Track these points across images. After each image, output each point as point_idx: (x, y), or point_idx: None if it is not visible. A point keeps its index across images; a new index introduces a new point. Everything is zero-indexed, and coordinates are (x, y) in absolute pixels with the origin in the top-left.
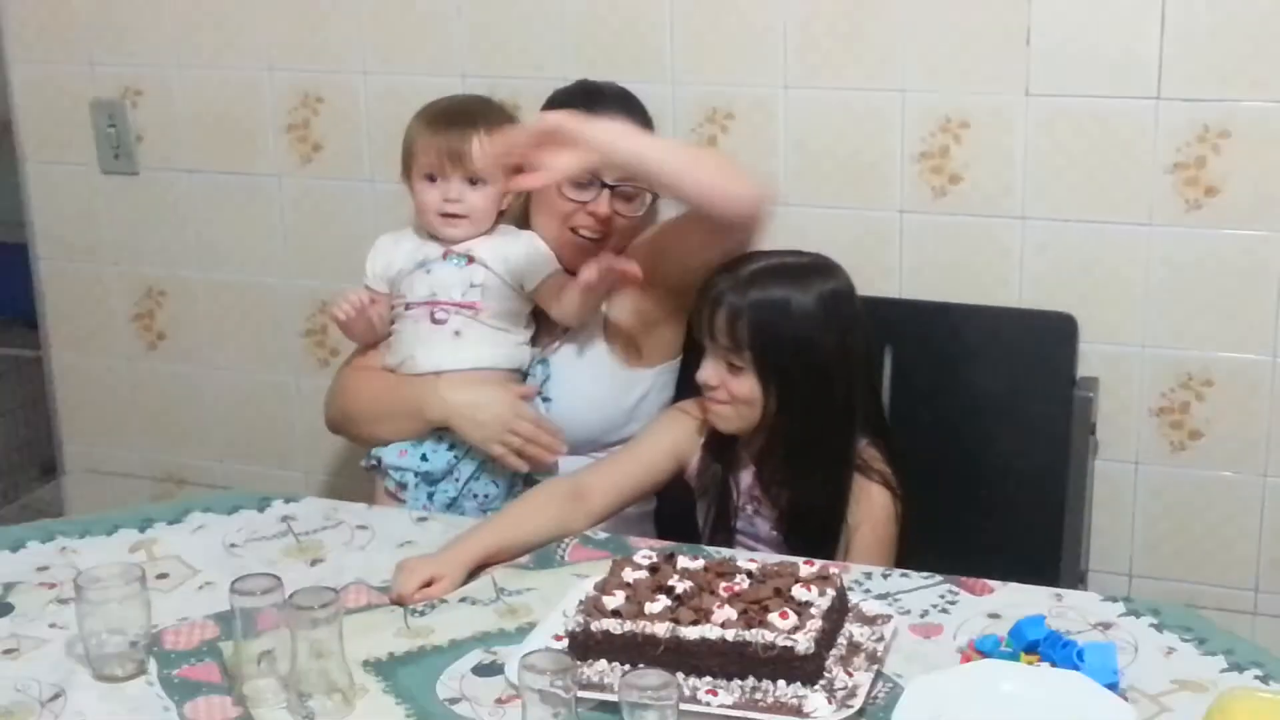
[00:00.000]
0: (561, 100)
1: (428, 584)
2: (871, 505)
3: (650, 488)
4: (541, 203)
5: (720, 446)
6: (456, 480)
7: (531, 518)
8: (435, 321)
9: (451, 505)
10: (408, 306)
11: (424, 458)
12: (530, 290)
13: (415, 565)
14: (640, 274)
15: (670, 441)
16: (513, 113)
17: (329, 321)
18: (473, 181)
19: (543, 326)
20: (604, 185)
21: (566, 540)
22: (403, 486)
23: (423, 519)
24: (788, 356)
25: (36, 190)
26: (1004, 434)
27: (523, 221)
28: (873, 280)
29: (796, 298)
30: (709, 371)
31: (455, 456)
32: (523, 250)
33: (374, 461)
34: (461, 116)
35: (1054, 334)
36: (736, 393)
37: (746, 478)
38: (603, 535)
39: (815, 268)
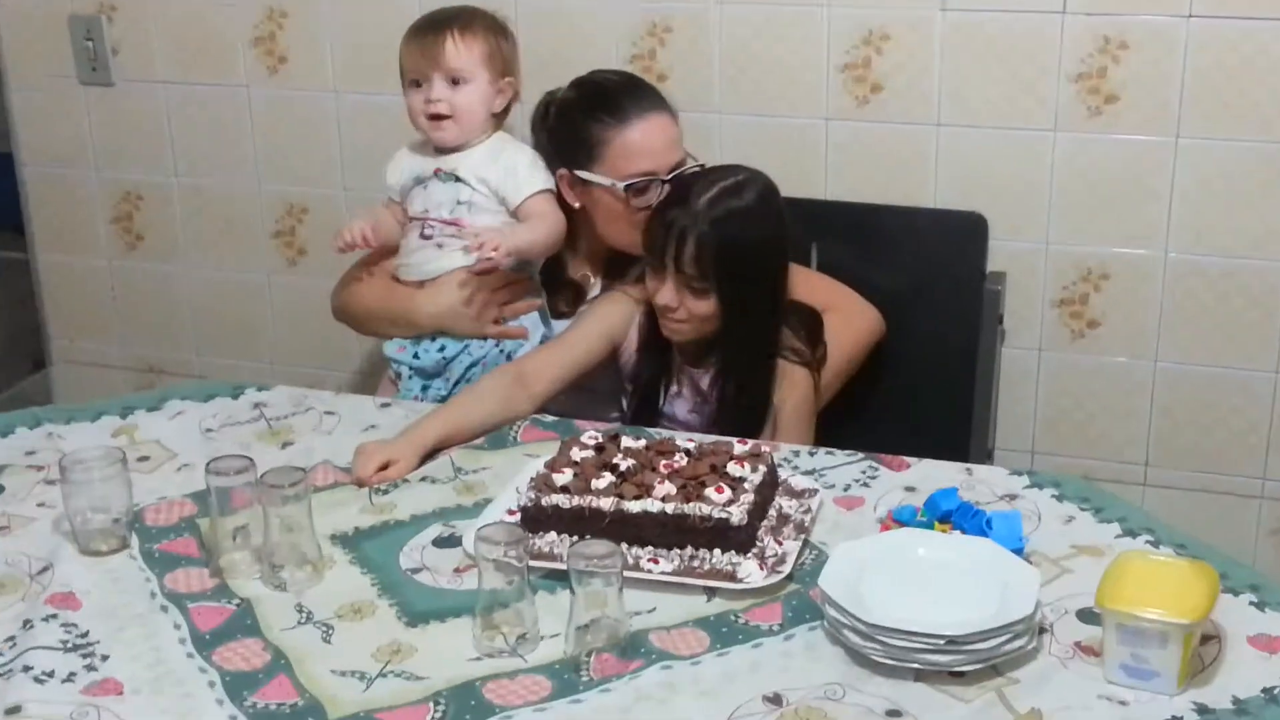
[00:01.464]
0: (600, 89)
1: (384, 468)
2: (794, 385)
3: (587, 369)
4: (604, 211)
5: (656, 342)
6: (448, 380)
7: (479, 404)
8: (424, 237)
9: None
10: (411, 218)
11: (416, 355)
12: (512, 211)
13: (372, 450)
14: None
15: (605, 328)
16: (495, 17)
17: (296, 223)
18: (454, 81)
19: (564, 292)
20: (664, 181)
21: (518, 423)
22: (399, 376)
23: (386, 405)
24: (748, 269)
25: (19, 102)
26: (920, 323)
27: (586, 228)
28: (802, 183)
29: (747, 212)
30: (668, 295)
31: (445, 357)
32: (502, 169)
33: (383, 353)
34: (438, 22)
35: (966, 232)
36: (697, 311)
37: (675, 363)
38: (551, 418)
39: (749, 179)
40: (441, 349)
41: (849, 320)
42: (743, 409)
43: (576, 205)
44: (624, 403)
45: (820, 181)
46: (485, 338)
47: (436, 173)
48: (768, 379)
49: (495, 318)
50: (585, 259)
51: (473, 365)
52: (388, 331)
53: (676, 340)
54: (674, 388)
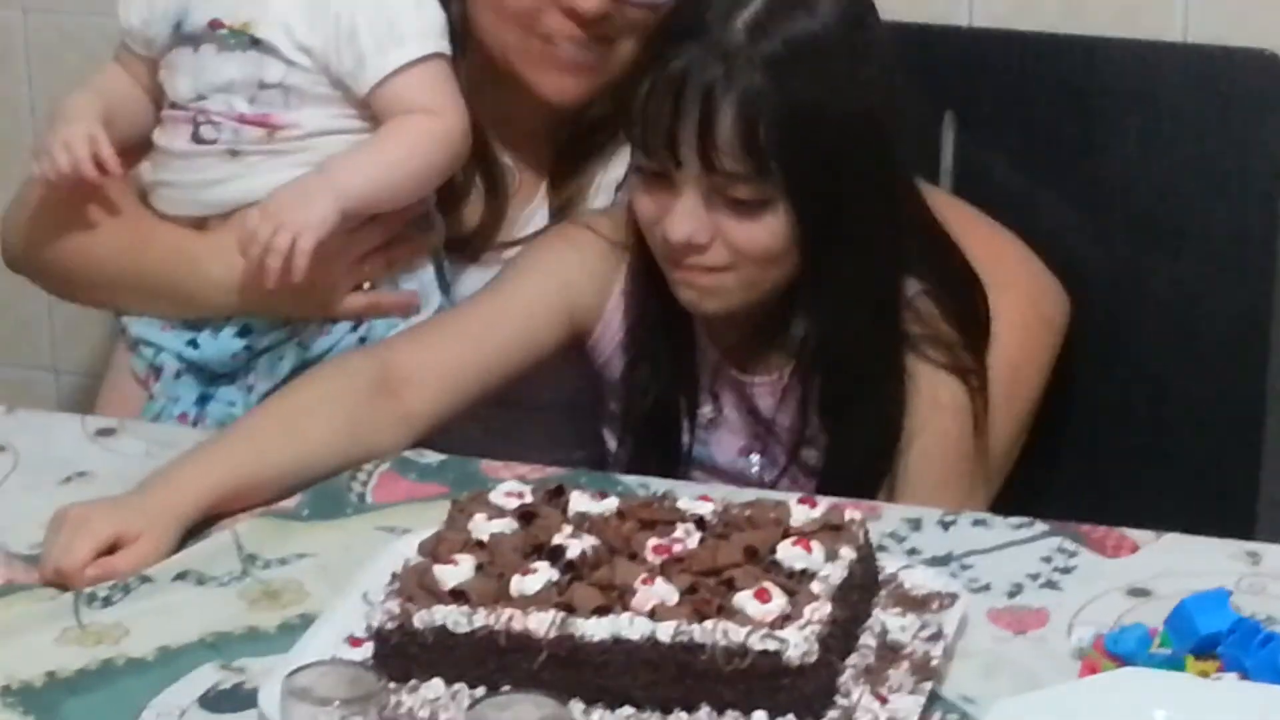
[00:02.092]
0: None
1: (110, 550)
2: (938, 406)
3: (519, 369)
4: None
5: (664, 320)
6: (248, 388)
7: (302, 428)
8: (200, 140)
9: None
10: (172, 104)
11: (193, 343)
12: (364, 94)
13: (87, 518)
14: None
15: (557, 292)
16: None
17: None
18: None
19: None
20: None
21: (368, 466)
22: (156, 372)
23: (108, 431)
24: (840, 156)
25: None
26: (1156, 270)
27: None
28: (926, 2)
29: (825, 44)
30: (691, 222)
31: (248, 348)
32: (338, 17)
33: (120, 325)
34: None
35: (1245, 90)
36: (746, 245)
37: (707, 364)
38: (434, 456)
39: None
40: (244, 334)
41: (1034, 307)
42: (844, 446)
43: None
44: (605, 434)
45: None
46: (335, 319)
47: (215, 27)
48: (890, 390)
49: (356, 281)
50: (510, 141)
51: (301, 366)
52: (135, 305)
53: (704, 312)
54: (708, 408)
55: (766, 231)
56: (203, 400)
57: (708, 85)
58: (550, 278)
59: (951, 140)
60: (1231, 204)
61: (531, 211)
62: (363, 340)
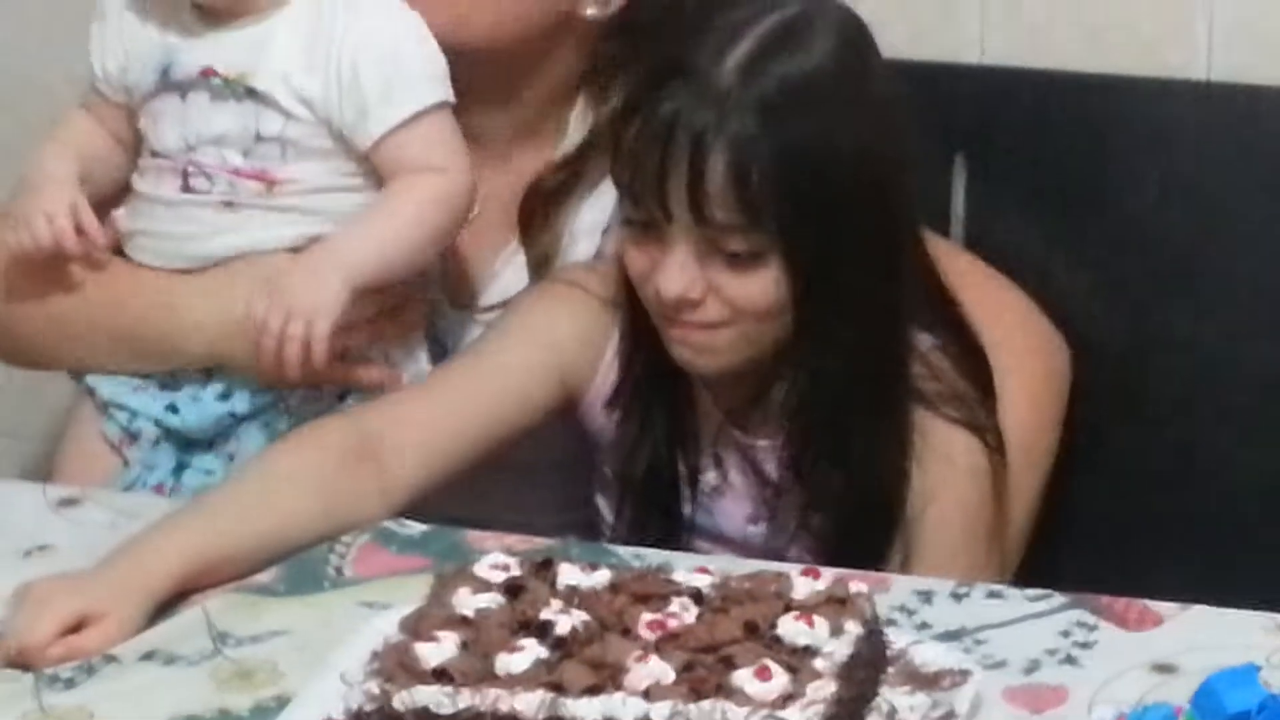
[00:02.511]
0: None
1: (75, 628)
2: (951, 463)
3: (505, 438)
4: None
5: (661, 379)
6: (229, 455)
7: (276, 499)
8: (190, 190)
9: None
10: (153, 153)
11: (172, 407)
12: (366, 148)
13: (51, 595)
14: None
15: (546, 353)
16: None
17: None
18: None
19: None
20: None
21: (346, 538)
22: (132, 438)
23: (70, 501)
24: (839, 199)
25: None
26: (1179, 323)
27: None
28: (934, 38)
29: (821, 79)
30: (683, 277)
31: (232, 415)
32: (337, 68)
33: (86, 386)
34: None
35: (1272, 130)
36: (745, 302)
37: (710, 427)
38: (418, 527)
39: (809, 9)
40: (225, 397)
41: (1041, 361)
42: (851, 508)
43: None
44: (600, 503)
45: (973, 36)
46: (322, 384)
47: (207, 75)
48: (898, 447)
49: (346, 346)
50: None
51: (289, 423)
52: (111, 362)
53: (700, 371)
54: (711, 474)
55: (762, 285)
56: (179, 469)
57: (698, 131)
58: (539, 338)
59: (963, 184)
60: (1258, 252)
61: (507, 257)
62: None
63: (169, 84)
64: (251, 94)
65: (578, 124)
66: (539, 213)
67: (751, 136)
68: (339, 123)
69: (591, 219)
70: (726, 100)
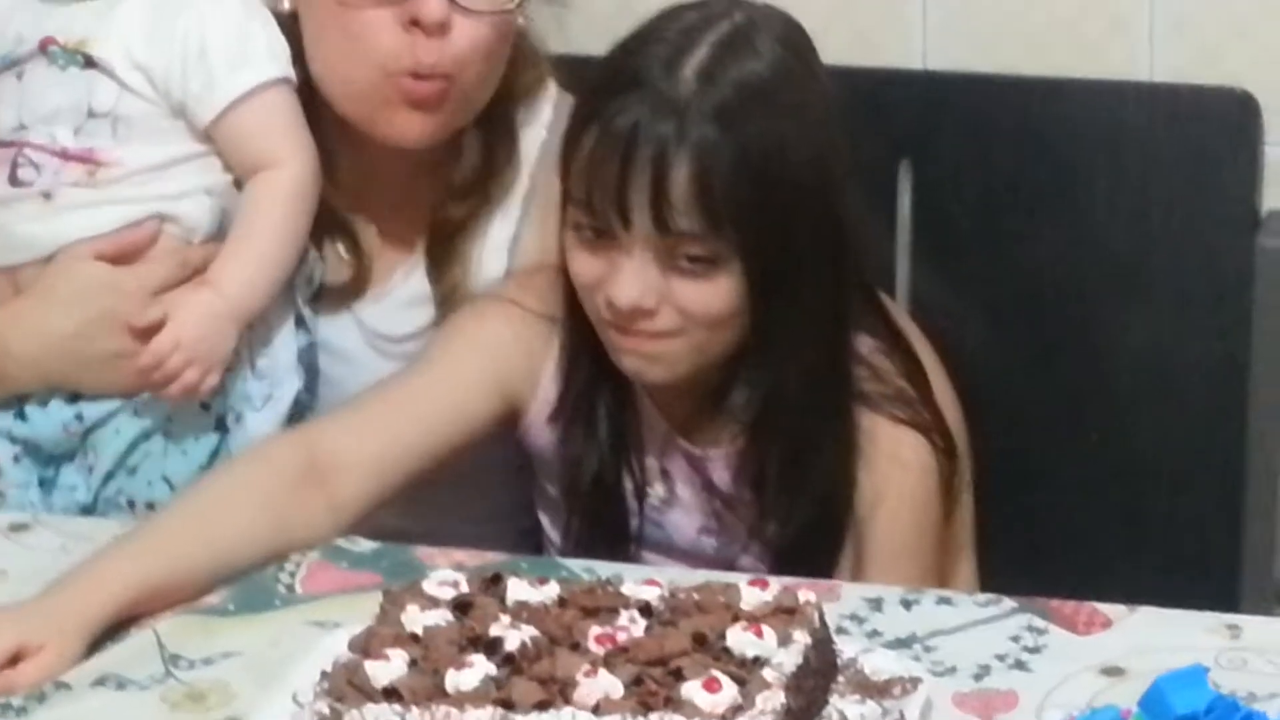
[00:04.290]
0: None
1: (13, 661)
2: (901, 465)
3: (448, 451)
4: (325, 25)
5: (604, 391)
6: (89, 467)
7: (220, 522)
8: (16, 182)
9: (90, 511)
10: None
11: (21, 415)
12: (209, 121)
13: None
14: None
15: (489, 367)
16: None
17: None
18: None
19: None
20: None
21: (296, 556)
22: None
23: (20, 526)
24: (791, 203)
25: None
26: (1127, 320)
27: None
28: (877, 45)
29: (772, 85)
30: (638, 284)
31: (79, 415)
32: (185, 39)
33: None
34: None
35: (1217, 129)
36: (700, 309)
37: (656, 439)
38: (367, 544)
39: (756, 17)
40: (73, 400)
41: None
42: (801, 513)
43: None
44: (544, 520)
45: (915, 40)
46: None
47: (46, 47)
48: (846, 449)
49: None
50: (371, 209)
51: (141, 438)
52: None
53: (649, 381)
54: (659, 486)
55: (717, 292)
56: (44, 485)
57: (660, 142)
58: (480, 353)
59: (909, 189)
60: (1205, 248)
61: (408, 269)
62: (205, 407)
63: (8, 62)
64: (90, 64)
65: (471, 141)
66: (446, 246)
67: (712, 143)
68: (180, 95)
69: (499, 236)
70: (686, 110)
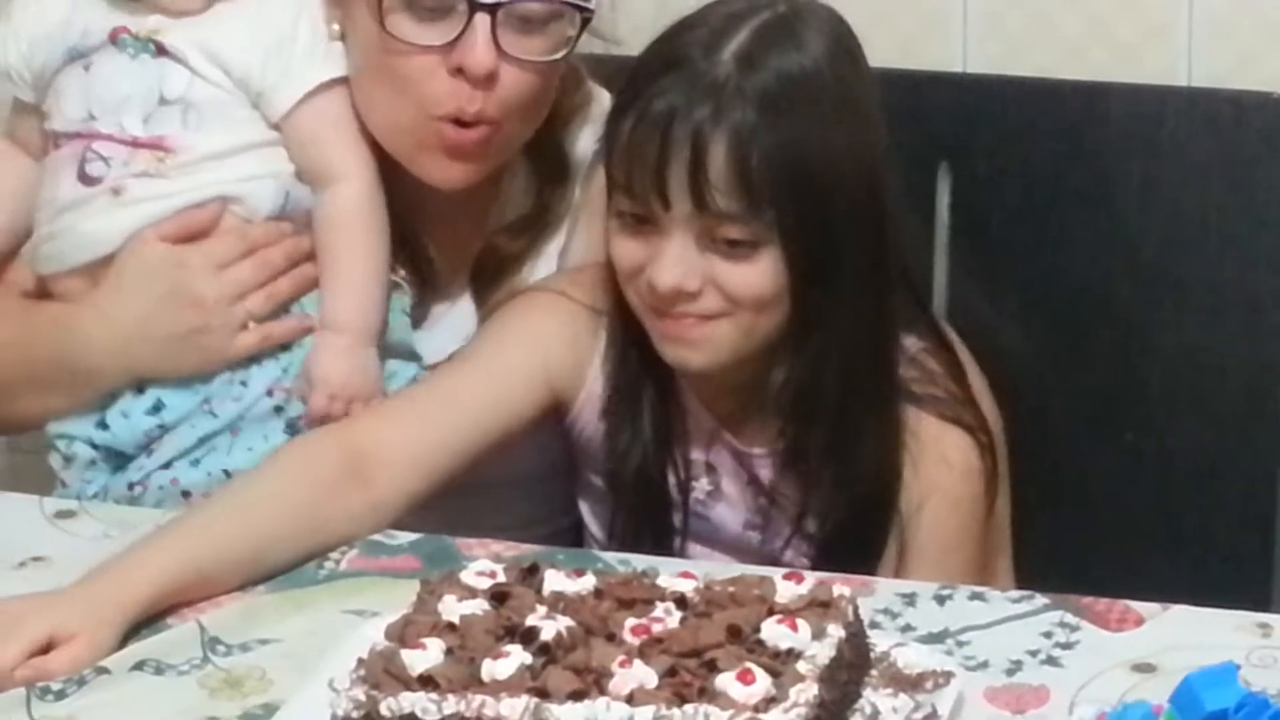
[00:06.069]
0: None
1: (45, 650)
2: (946, 463)
3: (492, 447)
4: (371, 61)
5: (652, 381)
6: (165, 464)
7: (259, 518)
8: (85, 178)
9: (158, 507)
10: (56, 142)
11: (103, 424)
12: (284, 112)
13: (21, 616)
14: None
15: (536, 359)
16: None
17: None
18: None
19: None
20: (475, 6)
21: (335, 554)
22: (67, 461)
23: (65, 514)
24: (833, 188)
25: None
26: (1162, 325)
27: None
28: (918, 49)
29: (816, 74)
30: (681, 266)
31: (161, 424)
32: (274, 31)
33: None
34: None
35: (1254, 134)
36: (743, 291)
37: (702, 433)
38: (405, 536)
39: (802, 9)
40: (155, 410)
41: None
42: (843, 508)
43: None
44: (586, 513)
45: (956, 44)
46: (231, 361)
47: (117, 36)
48: (889, 445)
49: (239, 321)
50: (427, 232)
51: (209, 436)
52: (38, 407)
53: (692, 369)
54: (704, 480)
55: (759, 274)
56: (113, 483)
57: (697, 121)
58: (527, 346)
59: (947, 191)
60: (1240, 254)
61: (454, 298)
62: (278, 409)
63: (75, 54)
64: (161, 51)
65: (520, 173)
66: (495, 277)
67: (750, 125)
68: (258, 84)
69: (548, 250)
70: (724, 90)
